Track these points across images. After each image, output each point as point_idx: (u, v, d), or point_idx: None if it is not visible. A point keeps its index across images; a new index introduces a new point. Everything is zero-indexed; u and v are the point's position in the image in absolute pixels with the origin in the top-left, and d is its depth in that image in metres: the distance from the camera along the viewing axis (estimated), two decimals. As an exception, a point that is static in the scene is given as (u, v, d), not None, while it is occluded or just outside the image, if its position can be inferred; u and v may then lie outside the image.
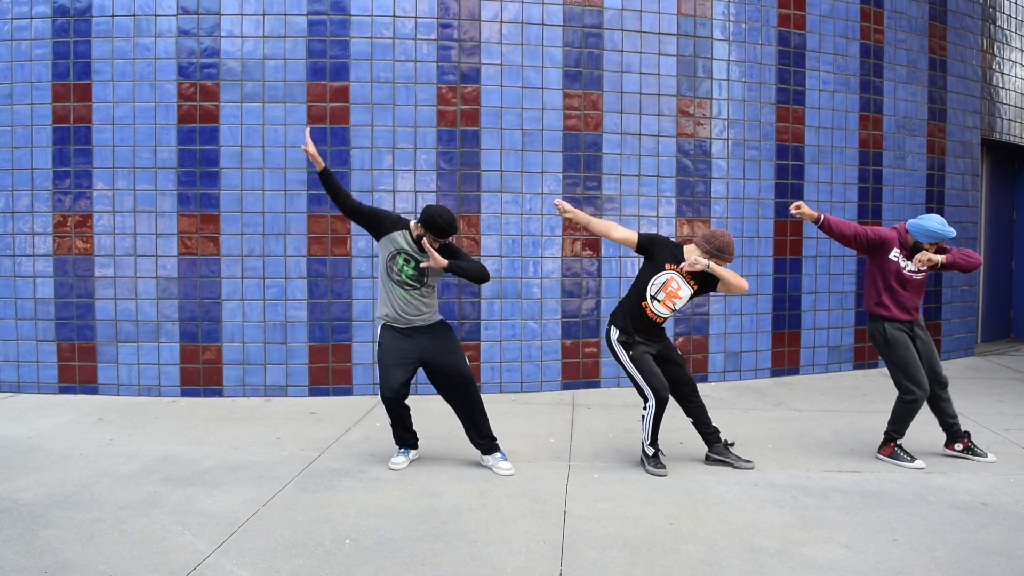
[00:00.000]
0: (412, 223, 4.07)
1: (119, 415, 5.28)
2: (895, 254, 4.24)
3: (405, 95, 5.89)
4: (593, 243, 6.19)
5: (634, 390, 4.20)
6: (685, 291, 4.07)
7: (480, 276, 4.06)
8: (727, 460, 4.22)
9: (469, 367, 4.18)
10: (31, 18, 5.78)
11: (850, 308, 6.99)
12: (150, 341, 5.86)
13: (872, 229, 4.28)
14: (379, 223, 4.09)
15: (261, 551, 3.10)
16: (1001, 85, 8.16)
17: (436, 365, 4.11)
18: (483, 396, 5.96)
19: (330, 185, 4.04)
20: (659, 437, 4.22)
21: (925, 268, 4.21)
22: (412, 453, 4.29)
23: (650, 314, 4.07)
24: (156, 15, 5.75)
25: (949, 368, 7.19)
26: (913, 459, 4.23)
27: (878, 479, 4.03)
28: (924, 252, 4.14)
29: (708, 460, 4.28)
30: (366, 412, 5.41)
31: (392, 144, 5.90)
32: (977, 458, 4.32)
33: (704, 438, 4.28)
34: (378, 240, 4.10)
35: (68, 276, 5.87)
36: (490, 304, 6.04)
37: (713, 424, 4.27)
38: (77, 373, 5.88)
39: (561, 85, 6.07)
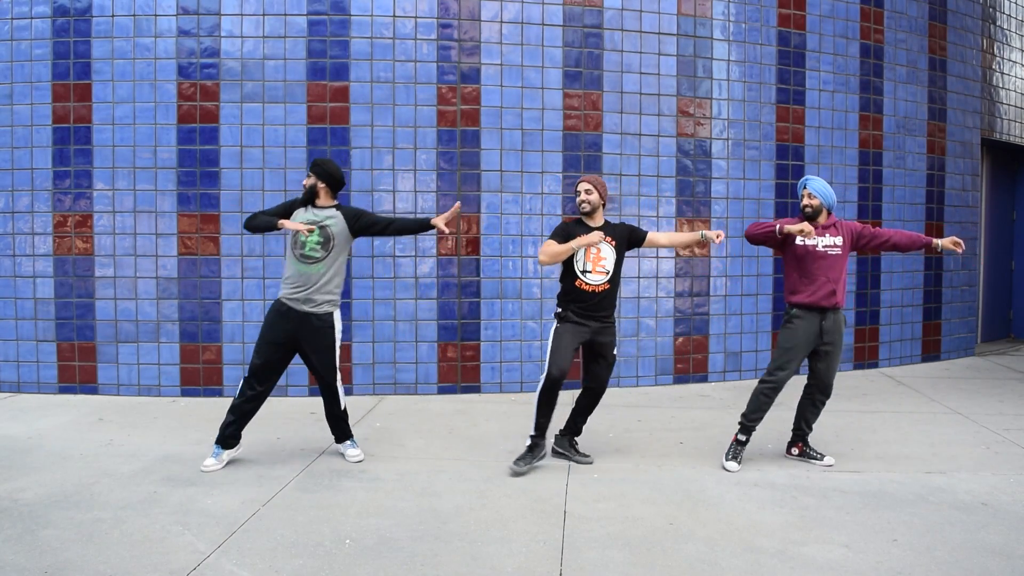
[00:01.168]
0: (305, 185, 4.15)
1: (119, 415, 5.28)
2: (799, 239, 4.15)
3: (405, 95, 5.89)
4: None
5: (634, 391, 4.23)
6: (606, 250, 4.17)
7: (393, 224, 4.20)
8: (566, 454, 4.34)
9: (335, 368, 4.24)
10: (31, 18, 5.78)
11: (850, 308, 6.99)
12: (150, 341, 5.86)
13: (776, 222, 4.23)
14: (286, 212, 4.16)
15: (261, 551, 3.10)
16: (1001, 85, 8.16)
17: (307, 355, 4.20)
18: (483, 396, 5.99)
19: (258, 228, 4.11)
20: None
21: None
22: (226, 454, 4.22)
23: (586, 287, 4.13)
24: (156, 15, 5.75)
25: (949, 368, 7.20)
26: (734, 460, 4.20)
27: (878, 479, 4.02)
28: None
29: (553, 452, 4.38)
30: (366, 412, 5.41)
31: (392, 144, 5.90)
32: (814, 461, 4.27)
33: (566, 426, 4.38)
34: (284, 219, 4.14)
35: (68, 276, 5.87)
36: (490, 304, 6.04)
37: (582, 426, 4.38)
38: (77, 373, 5.88)
39: (561, 85, 6.07)
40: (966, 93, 7.66)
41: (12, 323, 5.90)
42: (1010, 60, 8.28)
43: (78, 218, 5.85)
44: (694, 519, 3.46)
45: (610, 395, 6.01)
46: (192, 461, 4.24)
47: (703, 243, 4.29)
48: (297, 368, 5.87)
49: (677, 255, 6.37)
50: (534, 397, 4.18)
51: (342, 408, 4.30)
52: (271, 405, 5.61)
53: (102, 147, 5.81)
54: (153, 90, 5.77)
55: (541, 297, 6.11)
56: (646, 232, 4.31)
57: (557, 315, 4.22)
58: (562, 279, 4.25)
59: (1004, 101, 8.21)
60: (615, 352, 4.29)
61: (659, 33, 6.25)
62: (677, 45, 6.30)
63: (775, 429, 5.01)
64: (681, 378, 6.42)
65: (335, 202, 4.21)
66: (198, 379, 5.88)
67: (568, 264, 4.18)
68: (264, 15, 5.78)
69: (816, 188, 4.15)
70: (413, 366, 5.98)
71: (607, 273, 4.14)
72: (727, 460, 4.19)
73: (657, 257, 6.31)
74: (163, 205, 5.83)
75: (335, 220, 4.12)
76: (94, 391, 5.88)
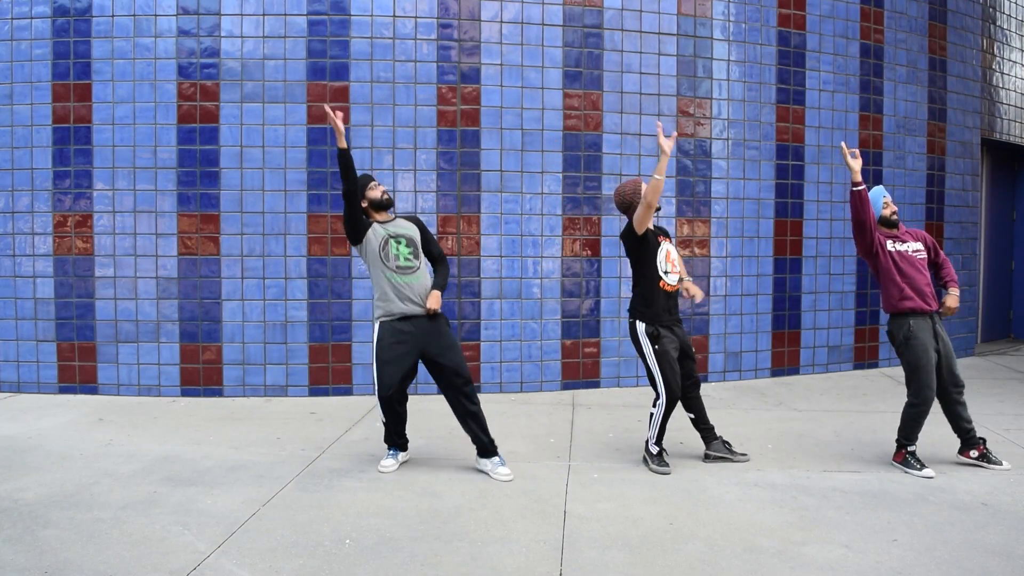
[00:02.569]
0: (368, 207, 4.08)
1: (119, 415, 5.28)
2: (890, 244, 4.21)
3: (405, 95, 5.89)
4: (593, 243, 6.19)
5: (634, 391, 4.21)
6: (672, 251, 4.21)
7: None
8: (725, 456, 4.27)
9: (467, 367, 4.14)
10: (31, 18, 5.78)
11: (850, 308, 6.99)
12: (150, 341, 5.86)
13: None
14: (359, 222, 4.04)
15: (261, 551, 3.10)
16: (1001, 85, 8.16)
17: (435, 360, 4.06)
18: (483, 396, 5.98)
19: (348, 169, 3.93)
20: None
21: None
22: (402, 455, 4.25)
23: (667, 287, 4.12)
24: (156, 15, 5.75)
25: (949, 368, 7.20)
26: (923, 467, 4.09)
27: (878, 479, 4.02)
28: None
29: (707, 458, 4.29)
30: (366, 412, 5.41)
31: (392, 144, 5.90)
32: (992, 466, 4.18)
33: (702, 435, 4.31)
34: (359, 241, 4.04)
35: (68, 276, 5.87)
36: (490, 304, 6.04)
37: (710, 422, 4.32)
38: (77, 373, 5.88)
39: (561, 85, 6.07)
40: (966, 93, 7.66)
41: (12, 323, 5.90)
42: (1010, 60, 8.28)
43: (78, 218, 5.85)
44: (694, 519, 3.46)
45: (610, 395, 6.02)
46: (192, 461, 4.24)
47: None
48: (297, 368, 5.88)
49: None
50: (652, 423, 4.12)
51: (477, 405, 4.09)
52: (271, 405, 5.62)
53: (102, 147, 5.81)
54: (153, 90, 5.77)
55: (541, 297, 6.11)
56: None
57: (650, 334, 4.08)
58: (638, 286, 4.15)
59: (1004, 101, 8.21)
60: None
61: (659, 33, 6.25)
62: (677, 45, 6.30)
63: (775, 430, 5.01)
64: (681, 378, 6.42)
65: (388, 215, 4.16)
66: (198, 379, 5.88)
67: (648, 268, 4.10)
68: (264, 15, 5.79)
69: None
70: (413, 366, 5.98)
71: (677, 273, 4.18)
72: (919, 469, 4.12)
73: (657, 257, 6.30)
74: (163, 205, 5.83)
75: (412, 229, 4.13)
76: (94, 391, 5.88)
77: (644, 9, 6.19)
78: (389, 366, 3.96)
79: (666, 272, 4.11)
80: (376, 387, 4.04)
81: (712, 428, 4.31)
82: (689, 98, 6.35)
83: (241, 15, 5.78)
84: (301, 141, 5.84)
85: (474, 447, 4.15)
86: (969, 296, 7.90)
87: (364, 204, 4.06)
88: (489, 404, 5.70)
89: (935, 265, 4.35)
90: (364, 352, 5.92)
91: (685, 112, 6.34)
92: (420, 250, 4.12)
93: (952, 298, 4.20)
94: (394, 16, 5.86)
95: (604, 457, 4.40)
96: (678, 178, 6.35)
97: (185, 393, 5.86)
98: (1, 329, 5.91)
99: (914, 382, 4.12)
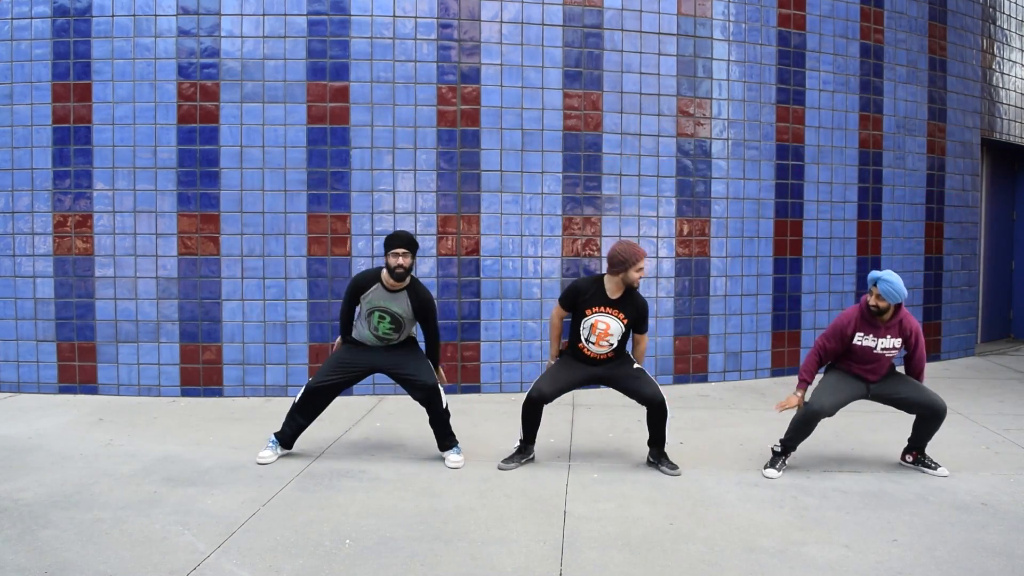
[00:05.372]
0: (384, 272, 4.13)
1: (119, 415, 5.28)
2: (858, 337, 4.04)
3: (405, 95, 5.89)
4: (593, 243, 6.19)
5: (635, 401, 4.21)
6: (615, 326, 4.07)
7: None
8: (654, 463, 4.19)
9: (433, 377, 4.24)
10: (31, 18, 5.78)
11: (850, 308, 6.99)
12: (150, 341, 5.86)
13: (830, 333, 4.10)
14: (355, 295, 4.21)
15: (261, 551, 3.10)
16: (1001, 85, 8.16)
17: (394, 374, 4.27)
18: (483, 396, 5.99)
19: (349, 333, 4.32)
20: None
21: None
22: (281, 450, 4.33)
23: (589, 353, 4.13)
24: (156, 15, 5.75)
25: (949, 368, 7.20)
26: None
27: (878, 479, 4.02)
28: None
29: (647, 462, 4.26)
30: (366, 412, 5.41)
31: (392, 144, 5.90)
32: (928, 470, 4.13)
33: (648, 439, 4.24)
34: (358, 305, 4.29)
35: (68, 276, 5.87)
36: (490, 304, 6.04)
37: (664, 435, 4.18)
38: (77, 373, 5.88)
39: (561, 85, 6.07)
40: (966, 93, 7.66)
41: (12, 323, 5.90)
42: (1010, 60, 8.28)
43: (78, 218, 5.85)
44: (694, 519, 3.46)
45: (610, 395, 6.02)
46: (192, 461, 4.24)
47: None
48: (297, 368, 5.88)
49: (677, 255, 6.37)
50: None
51: (444, 406, 4.25)
52: (271, 405, 5.62)
53: (102, 147, 5.81)
54: (153, 90, 5.77)
55: (541, 297, 6.11)
56: (644, 331, 4.22)
57: (561, 351, 4.28)
58: (571, 331, 4.22)
59: (1004, 101, 8.21)
60: (637, 365, 4.21)
61: (659, 33, 6.25)
62: (677, 45, 6.29)
63: (776, 430, 5.01)
64: (681, 378, 6.42)
65: (400, 285, 4.14)
66: (198, 379, 5.88)
67: (575, 326, 4.15)
68: (264, 15, 5.78)
69: (886, 291, 3.84)
70: (413, 366, 5.98)
71: (611, 346, 4.11)
72: (765, 467, 4.15)
73: (657, 257, 6.31)
74: (163, 205, 5.83)
75: (405, 309, 4.15)
76: (94, 391, 5.88)
77: (644, 9, 6.19)
78: (331, 362, 4.25)
79: (588, 340, 4.09)
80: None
81: (651, 439, 4.22)
82: (689, 98, 6.35)
83: (241, 15, 5.78)
84: (301, 141, 5.84)
85: (463, 444, 4.41)
86: (969, 296, 7.91)
87: (384, 261, 4.10)
88: (489, 404, 5.71)
89: (913, 351, 4.12)
90: (364, 352, 5.92)
91: (685, 112, 6.34)
92: (406, 326, 4.20)
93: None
94: (394, 16, 5.86)
95: (604, 457, 4.40)
96: (678, 178, 6.35)
97: (185, 393, 5.86)
98: (1, 329, 5.91)
99: (815, 391, 4.11)
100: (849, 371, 4.17)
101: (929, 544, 3.19)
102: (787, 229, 6.69)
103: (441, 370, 4.36)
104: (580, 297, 4.10)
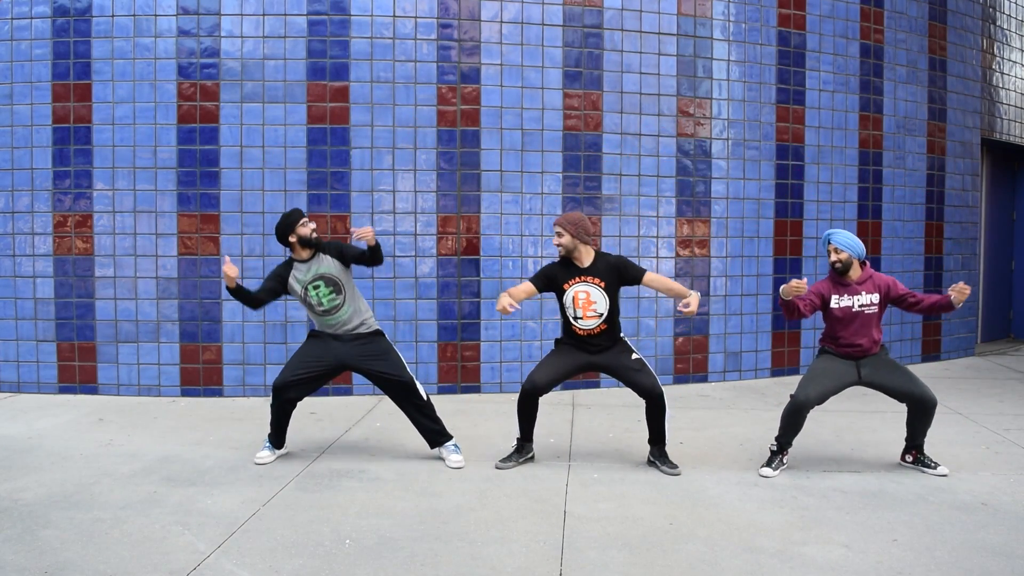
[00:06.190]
0: (295, 242, 4.14)
1: (119, 415, 5.28)
2: (834, 300, 4.06)
3: (405, 95, 5.89)
4: (593, 243, 6.18)
5: (634, 391, 4.20)
6: (595, 292, 4.07)
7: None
8: (654, 463, 4.17)
9: (406, 370, 4.23)
10: (31, 18, 5.78)
11: (850, 308, 6.98)
12: (150, 341, 5.86)
13: (812, 292, 4.10)
14: (281, 283, 4.20)
15: (261, 551, 3.10)
16: (1001, 85, 8.16)
17: (366, 371, 4.24)
18: (483, 396, 5.99)
19: (242, 298, 4.16)
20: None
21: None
22: (278, 451, 4.34)
23: (581, 331, 4.12)
24: (156, 15, 5.75)
25: (949, 368, 7.20)
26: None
27: (878, 479, 4.02)
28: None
29: (647, 462, 4.24)
30: (366, 412, 5.41)
31: (392, 144, 5.90)
32: (928, 470, 4.11)
33: (648, 437, 4.21)
34: (289, 294, 4.25)
35: (68, 276, 5.87)
36: (490, 304, 6.04)
37: (664, 431, 4.17)
38: (77, 373, 5.88)
39: (561, 85, 6.07)
40: (966, 93, 7.66)
41: (12, 323, 5.90)
42: (1010, 60, 8.28)
43: (78, 218, 5.85)
44: (694, 519, 3.46)
45: (610, 395, 6.02)
46: (192, 461, 4.25)
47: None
48: (297, 368, 5.87)
49: (677, 255, 6.37)
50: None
51: (425, 399, 4.24)
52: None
53: (102, 147, 5.81)
54: (153, 90, 5.77)
55: (541, 297, 6.11)
56: (643, 272, 4.09)
57: (557, 341, 4.27)
58: (561, 319, 4.22)
59: (1004, 101, 8.21)
60: (636, 356, 4.16)
61: (659, 33, 6.25)
62: (677, 45, 6.30)
63: (776, 430, 5.00)
64: (681, 378, 6.43)
65: (312, 251, 4.19)
66: (198, 379, 5.88)
67: (562, 309, 4.17)
68: (264, 15, 5.78)
69: (840, 241, 3.99)
70: (413, 366, 5.96)
71: (600, 316, 4.08)
72: (762, 467, 4.13)
73: (657, 257, 6.31)
74: (163, 205, 5.83)
75: (327, 264, 4.17)
76: (94, 391, 5.88)
77: (644, 9, 6.19)
78: (296, 360, 4.20)
79: (576, 318, 4.08)
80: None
81: (651, 437, 4.20)
82: (689, 98, 6.35)
83: (241, 15, 5.78)
84: (301, 141, 5.84)
85: (463, 444, 4.40)
86: (969, 296, 7.89)
87: (292, 239, 4.13)
88: (489, 404, 5.71)
89: (900, 301, 4.10)
90: (364, 352, 5.91)
91: (685, 112, 6.34)
92: (343, 284, 4.17)
93: (956, 292, 4.03)
94: (394, 16, 5.86)
95: (604, 457, 4.40)
96: (678, 178, 6.35)
97: (185, 393, 5.86)
98: (1, 329, 5.91)
99: (800, 381, 4.14)
100: (837, 351, 4.14)
101: (929, 544, 3.19)
102: (787, 229, 6.69)
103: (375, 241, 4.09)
104: (554, 279, 4.14)
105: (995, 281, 8.83)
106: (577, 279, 4.10)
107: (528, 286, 4.16)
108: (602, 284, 4.08)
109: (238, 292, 4.10)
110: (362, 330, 4.21)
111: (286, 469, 4.13)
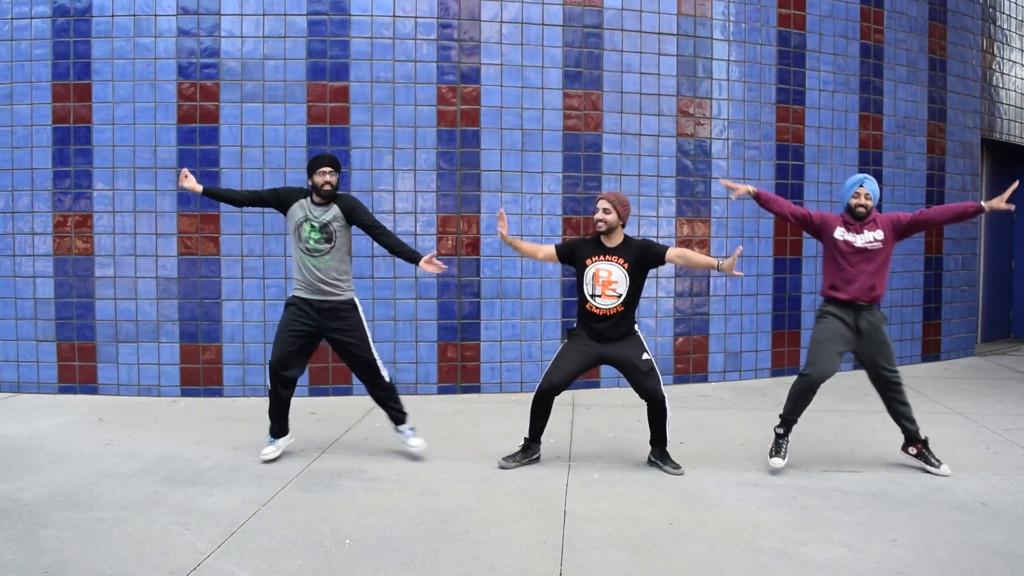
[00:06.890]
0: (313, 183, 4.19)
1: (119, 415, 5.28)
2: (839, 232, 4.11)
3: (405, 95, 5.89)
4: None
5: (634, 391, 4.20)
6: (617, 272, 4.08)
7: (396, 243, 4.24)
8: (657, 463, 4.18)
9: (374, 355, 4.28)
10: (31, 18, 5.78)
11: (850, 308, 6.98)
12: (150, 341, 5.86)
13: (815, 212, 4.26)
14: (280, 199, 4.27)
15: (261, 551, 3.10)
16: (1001, 85, 8.16)
17: (338, 343, 4.27)
18: (483, 396, 5.99)
19: (219, 197, 4.27)
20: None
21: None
22: (281, 441, 4.35)
23: (597, 311, 4.09)
24: (156, 15, 5.75)
25: (949, 368, 7.20)
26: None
27: (878, 479, 4.02)
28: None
29: (648, 462, 4.25)
30: (366, 412, 5.41)
31: (392, 144, 5.90)
32: (930, 467, 4.11)
33: (650, 438, 4.22)
34: (286, 215, 4.28)
35: (68, 276, 5.87)
36: (490, 304, 6.04)
37: (665, 434, 4.16)
38: (77, 373, 5.88)
39: (561, 85, 6.07)
40: (966, 93, 7.66)
41: (12, 323, 5.90)
42: (1010, 60, 8.28)
43: (78, 218, 5.85)
44: (694, 519, 3.46)
45: (610, 395, 6.02)
46: (192, 461, 4.24)
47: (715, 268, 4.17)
48: (297, 368, 5.87)
49: (677, 255, 6.37)
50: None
51: (388, 380, 4.31)
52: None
53: (102, 147, 5.81)
54: (153, 90, 5.77)
55: (541, 297, 6.11)
56: (664, 249, 4.07)
57: (569, 332, 4.24)
58: (577, 300, 4.22)
59: (1004, 101, 8.21)
60: (647, 357, 4.12)
61: (659, 33, 6.25)
62: (677, 45, 6.30)
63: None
64: (681, 378, 6.43)
65: (325, 200, 4.23)
66: (198, 379, 5.88)
67: (579, 286, 4.16)
68: (264, 15, 5.78)
69: (873, 188, 4.09)
70: (413, 366, 5.98)
71: (618, 296, 4.06)
72: (771, 456, 4.15)
73: (657, 257, 6.30)
74: (163, 205, 5.83)
75: (333, 213, 4.19)
76: (94, 391, 5.88)
77: (644, 9, 6.19)
78: (283, 333, 4.23)
79: (593, 295, 4.08)
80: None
81: (653, 438, 4.20)
82: (689, 98, 6.35)
83: (241, 15, 5.78)
84: (301, 141, 5.83)
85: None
86: (969, 296, 7.90)
87: (310, 181, 4.19)
88: (489, 404, 5.71)
89: (915, 225, 4.09)
90: (364, 352, 5.91)
91: (685, 112, 6.34)
92: (335, 235, 4.18)
93: (998, 200, 3.99)
94: (394, 16, 5.86)
95: (604, 457, 4.40)
96: (678, 178, 6.35)
97: (185, 393, 5.86)
98: (1, 329, 5.91)
99: (807, 356, 4.20)
100: (836, 300, 4.10)
101: (929, 544, 3.19)
102: (787, 229, 6.68)
103: (424, 262, 4.09)
104: (577, 250, 4.17)
105: (995, 281, 8.84)
106: (601, 257, 4.12)
107: (550, 248, 4.23)
108: (626, 265, 4.09)
109: (212, 193, 4.24)
110: (336, 297, 4.20)
111: (286, 469, 4.13)
